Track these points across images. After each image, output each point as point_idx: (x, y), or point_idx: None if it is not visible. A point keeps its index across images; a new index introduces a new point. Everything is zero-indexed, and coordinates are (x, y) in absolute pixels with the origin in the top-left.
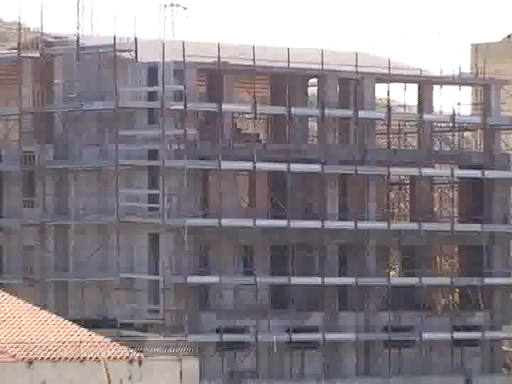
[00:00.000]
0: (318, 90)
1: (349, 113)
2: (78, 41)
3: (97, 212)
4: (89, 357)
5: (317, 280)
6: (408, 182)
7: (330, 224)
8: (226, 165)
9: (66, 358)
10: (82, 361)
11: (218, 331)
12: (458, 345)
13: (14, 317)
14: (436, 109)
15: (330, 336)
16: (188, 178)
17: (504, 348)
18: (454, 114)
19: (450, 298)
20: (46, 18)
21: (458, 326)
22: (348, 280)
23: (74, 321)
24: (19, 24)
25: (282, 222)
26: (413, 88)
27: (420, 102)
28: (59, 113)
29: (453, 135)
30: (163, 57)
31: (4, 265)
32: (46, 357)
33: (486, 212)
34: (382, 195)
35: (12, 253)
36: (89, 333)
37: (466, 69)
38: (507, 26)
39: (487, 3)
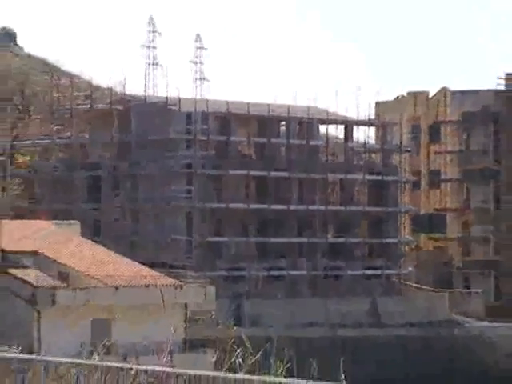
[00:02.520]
0: (285, 128)
1: (304, 142)
2: (145, 99)
3: (155, 199)
4: (150, 284)
5: (284, 240)
6: (339, 182)
7: (293, 207)
8: (231, 172)
9: (137, 285)
10: (146, 286)
11: (226, 270)
12: (367, 278)
13: (108, 261)
14: (355, 139)
15: (292, 273)
16: (209, 180)
17: (394, 280)
18: (365, 143)
19: (364, 249)
20: (127, 83)
21: (368, 266)
22: (303, 239)
23: (142, 263)
24: (111, 89)
25: (264, 206)
26: (341, 127)
27: (346, 135)
28: (133, 141)
29: (365, 155)
30: (195, 109)
31: (101, 231)
32: (125, 284)
33: (384, 200)
34: (324, 190)
35: (106, 223)
36: (150, 270)
37: (372, 116)
38: (397, 90)
39: (387, 75)
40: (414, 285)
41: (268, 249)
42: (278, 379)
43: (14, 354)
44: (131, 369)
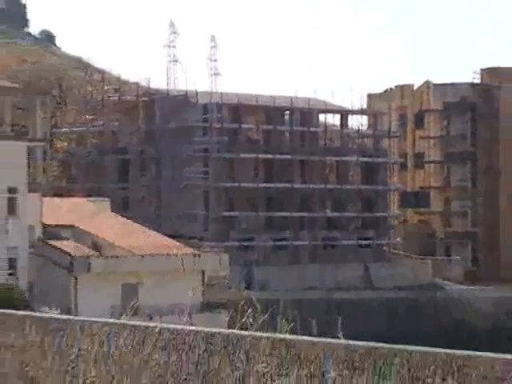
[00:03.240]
0: (289, 117)
1: (305, 129)
2: (167, 92)
3: (176, 179)
4: (172, 253)
5: (287, 214)
6: (335, 164)
7: (296, 186)
8: (242, 155)
9: (160, 254)
10: (169, 255)
11: (237, 240)
12: (360, 247)
13: (135, 233)
14: (349, 126)
15: (295, 243)
16: (223, 162)
17: (385, 249)
18: (358, 129)
19: (357, 222)
20: (151, 78)
21: (361, 237)
22: (304, 214)
23: (164, 235)
24: (137, 83)
25: (271, 185)
26: (337, 116)
27: (341, 123)
28: (157, 129)
29: (358, 140)
30: (210, 100)
31: (129, 207)
32: (150, 253)
33: (375, 179)
34: (322, 171)
35: (133, 201)
36: (172, 240)
37: (365, 106)
38: (386, 83)
39: (379, 69)
40: (402, 253)
41: (274, 222)
42: (283, 336)
43: (53, 314)
44: (155, 327)
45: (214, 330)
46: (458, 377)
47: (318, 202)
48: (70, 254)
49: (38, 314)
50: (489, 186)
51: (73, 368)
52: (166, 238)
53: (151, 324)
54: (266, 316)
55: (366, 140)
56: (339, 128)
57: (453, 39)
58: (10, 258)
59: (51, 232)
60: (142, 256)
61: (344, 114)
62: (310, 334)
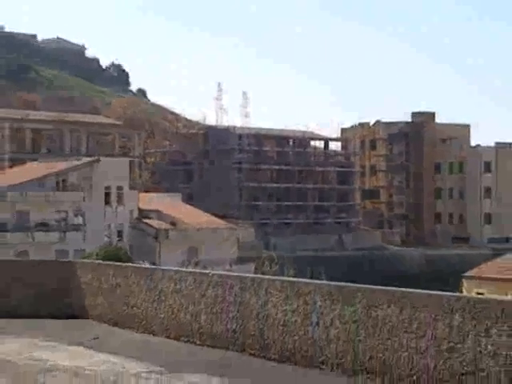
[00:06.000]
0: (293, 143)
1: (301, 150)
2: (216, 127)
3: (222, 181)
4: (219, 227)
5: (290, 203)
6: (321, 172)
7: (297, 186)
8: (262, 166)
9: (211, 227)
10: (216, 228)
11: (259, 219)
12: (337, 223)
13: (196, 214)
14: (330, 148)
15: (296, 221)
16: (250, 172)
17: (353, 225)
18: (335, 150)
19: (335, 208)
20: (206, 118)
21: (337, 217)
22: (301, 203)
23: (213, 215)
24: (197, 121)
25: (280, 185)
26: (322, 142)
27: (325, 146)
28: (210, 149)
29: (335, 157)
30: (243, 132)
31: (193, 199)
32: (205, 227)
33: (346, 181)
34: (313, 176)
35: (196, 195)
36: (218, 219)
37: (339, 135)
38: (352, 120)
39: (351, 107)
40: (363, 227)
41: (282, 208)
42: (288, 278)
43: (145, 265)
44: (209, 273)
45: (245, 275)
46: (398, 305)
47: (311, 196)
48: (155, 228)
49: (135, 265)
50: (416, 186)
51: (158, 298)
52: (215, 218)
53: (206, 271)
54: (278, 266)
55: (340, 157)
56: (323, 149)
57: (398, 89)
58: (118, 230)
59: (144, 214)
60: (198, 230)
61: (326, 140)
62: (305, 277)
